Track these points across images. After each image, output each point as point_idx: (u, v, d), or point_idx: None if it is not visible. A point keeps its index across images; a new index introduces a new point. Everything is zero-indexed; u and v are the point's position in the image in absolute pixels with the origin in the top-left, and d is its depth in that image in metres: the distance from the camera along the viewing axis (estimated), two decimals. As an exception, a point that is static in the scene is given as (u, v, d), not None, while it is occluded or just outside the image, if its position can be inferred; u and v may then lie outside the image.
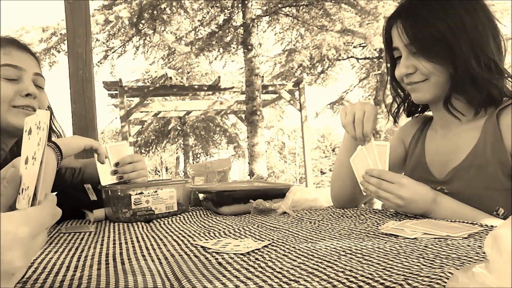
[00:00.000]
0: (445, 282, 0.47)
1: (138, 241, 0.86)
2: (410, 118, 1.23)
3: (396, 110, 1.18)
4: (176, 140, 16.86)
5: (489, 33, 0.96)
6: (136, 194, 1.15)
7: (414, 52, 0.99)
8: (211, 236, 0.88)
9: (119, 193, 1.14)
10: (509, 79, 0.97)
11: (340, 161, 1.18)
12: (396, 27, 1.02)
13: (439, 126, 1.11)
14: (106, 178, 1.19)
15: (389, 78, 1.14)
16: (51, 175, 0.97)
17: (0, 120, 1.03)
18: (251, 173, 7.90)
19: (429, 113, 1.21)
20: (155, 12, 8.84)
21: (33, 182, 0.45)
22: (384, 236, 0.78)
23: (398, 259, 0.60)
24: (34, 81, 1.09)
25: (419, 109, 1.19)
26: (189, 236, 0.89)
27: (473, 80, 0.94)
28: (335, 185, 1.21)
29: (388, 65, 1.12)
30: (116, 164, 1.20)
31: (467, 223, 0.84)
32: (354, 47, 10.47)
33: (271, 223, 1.00)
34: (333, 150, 31.50)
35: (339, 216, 1.06)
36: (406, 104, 1.17)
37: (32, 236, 0.40)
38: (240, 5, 8.37)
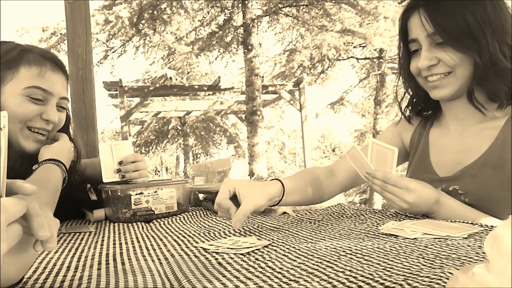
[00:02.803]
0: (445, 282, 0.47)
1: (138, 241, 0.87)
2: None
3: (410, 109, 1.14)
4: (176, 140, 16.85)
5: (510, 25, 0.95)
6: (136, 194, 1.15)
7: (438, 42, 0.96)
8: (211, 236, 0.88)
9: (119, 193, 1.14)
10: None
11: None
12: (418, 17, 0.97)
13: (452, 124, 1.07)
14: (108, 175, 1.21)
15: (402, 73, 1.09)
16: (54, 194, 1.00)
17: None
18: (251, 173, 7.91)
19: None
20: (155, 12, 8.84)
21: None
22: (384, 236, 0.78)
23: (398, 259, 0.60)
24: (59, 104, 1.10)
25: (429, 107, 1.14)
26: (189, 236, 0.89)
27: (498, 71, 0.93)
28: None
29: (402, 60, 1.07)
30: (120, 163, 1.21)
31: (467, 223, 0.84)
32: (354, 47, 10.47)
33: (271, 223, 1.00)
34: (333, 150, 31.48)
35: (339, 216, 1.06)
36: (415, 101, 1.13)
37: (6, 223, 0.41)
38: (240, 5, 8.38)
